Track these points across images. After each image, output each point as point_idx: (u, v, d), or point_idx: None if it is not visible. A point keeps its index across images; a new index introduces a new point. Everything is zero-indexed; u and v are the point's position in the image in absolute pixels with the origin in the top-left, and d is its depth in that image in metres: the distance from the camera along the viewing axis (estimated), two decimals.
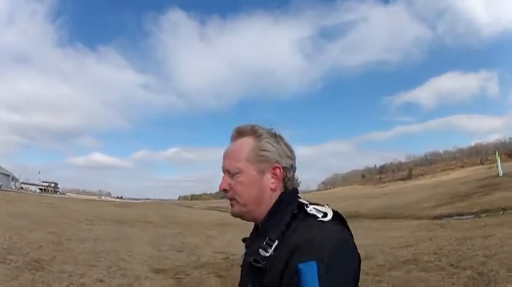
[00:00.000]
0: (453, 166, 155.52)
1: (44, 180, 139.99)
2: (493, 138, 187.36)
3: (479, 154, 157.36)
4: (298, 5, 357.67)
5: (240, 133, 1.23)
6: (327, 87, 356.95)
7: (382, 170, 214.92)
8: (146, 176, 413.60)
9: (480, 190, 27.34)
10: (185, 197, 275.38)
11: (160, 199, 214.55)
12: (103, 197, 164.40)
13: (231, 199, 1.18)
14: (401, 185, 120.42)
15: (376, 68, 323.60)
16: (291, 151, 1.21)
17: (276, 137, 1.21)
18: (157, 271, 8.35)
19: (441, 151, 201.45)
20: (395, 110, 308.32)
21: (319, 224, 1.01)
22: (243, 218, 1.19)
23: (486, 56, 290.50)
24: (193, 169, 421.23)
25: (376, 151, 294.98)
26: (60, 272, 7.23)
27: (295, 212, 1.08)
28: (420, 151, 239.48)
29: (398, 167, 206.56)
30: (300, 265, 0.90)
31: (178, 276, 7.91)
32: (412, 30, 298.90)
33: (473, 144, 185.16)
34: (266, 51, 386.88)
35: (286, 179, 1.17)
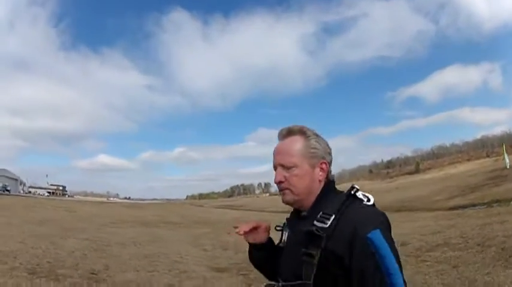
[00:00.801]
0: (460, 159, 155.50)
1: (52, 183, 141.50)
2: (498, 130, 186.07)
3: (485, 147, 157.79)
4: (299, 1, 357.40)
5: (290, 132, 1.43)
6: (331, 83, 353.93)
7: (389, 164, 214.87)
8: (153, 177, 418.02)
9: (489, 181, 28.54)
10: (193, 197, 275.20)
11: (167, 199, 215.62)
12: (111, 198, 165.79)
13: (285, 189, 1.38)
14: (410, 179, 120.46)
15: (379, 63, 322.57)
16: (330, 149, 1.46)
17: (319, 136, 1.45)
18: (219, 270, 8.53)
19: (447, 145, 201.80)
20: (400, 105, 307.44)
21: (367, 205, 1.27)
22: (292, 205, 1.42)
23: (488, 48, 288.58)
24: (199, 168, 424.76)
25: (382, 146, 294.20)
26: (126, 282, 7.08)
27: (348, 194, 1.32)
28: (426, 145, 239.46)
29: (405, 161, 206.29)
30: (369, 235, 1.14)
31: (242, 272, 7.99)
32: (414, 25, 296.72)
33: (479, 137, 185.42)
34: (269, 49, 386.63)
35: (329, 172, 1.41)
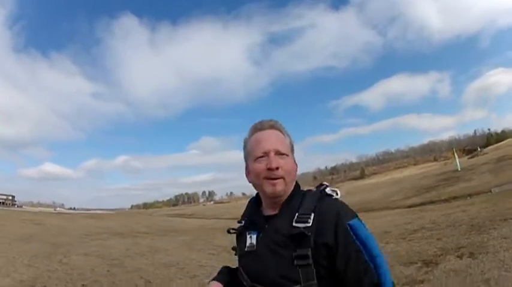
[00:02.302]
0: (406, 164, 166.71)
1: (1, 193, 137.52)
2: (446, 135, 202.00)
3: (433, 151, 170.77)
4: (248, 10, 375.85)
5: (272, 126, 1.54)
6: (275, 93, 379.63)
7: (334, 171, 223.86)
8: (97, 186, 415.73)
9: (442, 182, 32.48)
10: (137, 206, 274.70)
11: (112, 209, 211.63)
12: (58, 208, 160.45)
13: (278, 178, 1.44)
14: (355, 184, 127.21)
15: (324, 73, 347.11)
16: None
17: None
18: None
19: (393, 150, 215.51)
20: (343, 113, 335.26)
21: (336, 199, 1.44)
22: (279, 196, 1.47)
23: (437, 59, 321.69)
24: (142, 177, 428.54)
25: (326, 154, 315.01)
26: None
27: (319, 193, 1.46)
28: (370, 151, 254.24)
29: (349, 167, 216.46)
30: (349, 222, 1.32)
31: None
32: (361, 37, 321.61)
33: (425, 142, 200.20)
34: (214, 58, 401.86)
35: None
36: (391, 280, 1.32)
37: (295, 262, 1.30)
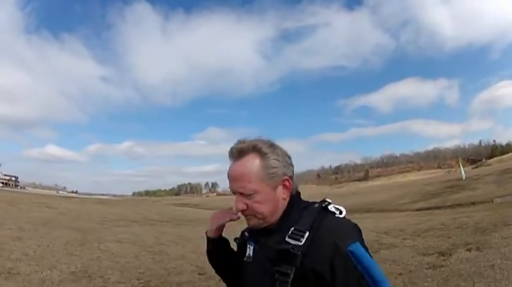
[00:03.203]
0: (410, 169, 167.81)
1: (6, 173, 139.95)
2: (451, 144, 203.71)
3: (437, 159, 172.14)
4: (262, 4, 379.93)
5: (242, 152, 1.39)
6: (284, 88, 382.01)
7: (338, 170, 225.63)
8: (99, 170, 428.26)
9: (447, 190, 34.15)
10: (139, 193, 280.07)
11: (114, 195, 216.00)
12: (60, 191, 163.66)
13: (249, 215, 1.40)
14: (359, 185, 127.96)
15: (334, 72, 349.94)
16: (289, 157, 1.46)
17: (276, 148, 1.42)
18: None
19: (397, 154, 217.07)
20: (351, 113, 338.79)
21: (338, 219, 1.33)
22: (259, 227, 1.42)
23: (447, 66, 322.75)
24: (146, 164, 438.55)
25: (331, 152, 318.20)
26: None
27: (320, 209, 1.36)
28: (375, 153, 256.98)
29: (354, 168, 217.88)
30: (349, 248, 1.18)
31: None
32: (373, 38, 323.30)
33: (430, 148, 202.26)
34: (226, 49, 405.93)
35: (293, 184, 1.44)
36: None
37: (276, 276, 1.26)
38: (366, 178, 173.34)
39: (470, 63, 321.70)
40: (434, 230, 12.53)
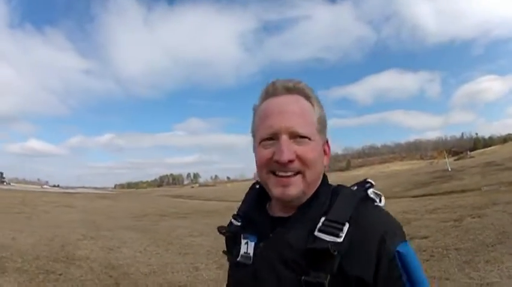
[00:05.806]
0: (392, 159, 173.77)
1: None
2: (432, 135, 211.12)
3: (418, 150, 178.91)
4: None
5: (289, 89, 1.07)
6: (264, 80, 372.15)
7: None
8: (80, 163, 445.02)
9: (437, 179, 37.79)
10: (121, 185, 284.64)
11: (95, 187, 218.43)
12: (45, 186, 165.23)
13: (293, 175, 1.00)
14: (341, 175, 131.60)
15: (314, 65, 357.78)
16: None
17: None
18: None
19: (378, 145, 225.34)
20: (330, 104, 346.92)
21: (381, 209, 1.06)
22: (294, 202, 1.04)
23: (429, 59, 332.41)
24: (126, 156, 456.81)
25: None
26: None
27: (362, 194, 1.06)
28: (357, 144, 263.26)
29: (335, 158, 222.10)
30: (399, 248, 0.94)
31: None
32: (355, 31, 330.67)
33: (412, 140, 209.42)
34: (207, 41, 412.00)
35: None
36: None
37: None
38: (348, 168, 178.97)
39: (452, 58, 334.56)
40: (441, 209, 16.55)
